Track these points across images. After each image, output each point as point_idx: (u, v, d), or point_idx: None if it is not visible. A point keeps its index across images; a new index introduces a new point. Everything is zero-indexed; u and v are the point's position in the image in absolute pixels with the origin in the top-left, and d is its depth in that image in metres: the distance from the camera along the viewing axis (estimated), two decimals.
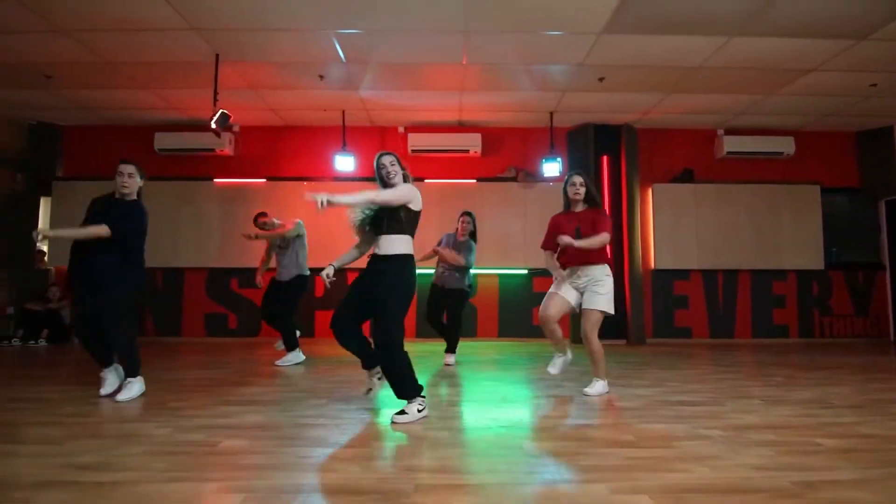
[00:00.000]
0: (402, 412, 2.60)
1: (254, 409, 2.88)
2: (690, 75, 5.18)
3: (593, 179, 6.50)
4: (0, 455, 2.12)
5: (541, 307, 3.37)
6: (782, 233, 6.74)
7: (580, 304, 3.33)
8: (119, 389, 3.15)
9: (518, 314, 6.63)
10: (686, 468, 1.96)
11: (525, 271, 6.67)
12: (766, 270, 6.75)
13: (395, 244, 2.69)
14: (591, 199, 3.37)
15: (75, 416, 2.75)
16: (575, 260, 3.30)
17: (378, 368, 2.89)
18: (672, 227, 6.74)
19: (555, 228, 3.37)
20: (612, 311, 3.31)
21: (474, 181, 6.71)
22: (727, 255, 6.70)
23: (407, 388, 2.64)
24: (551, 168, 6.36)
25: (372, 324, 2.81)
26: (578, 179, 3.34)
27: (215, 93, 4.82)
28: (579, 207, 3.37)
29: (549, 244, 3.43)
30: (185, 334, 6.56)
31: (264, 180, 6.72)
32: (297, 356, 4.58)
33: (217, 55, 4.66)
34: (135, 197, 3.25)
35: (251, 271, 6.60)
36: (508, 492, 1.74)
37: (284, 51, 4.62)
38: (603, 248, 3.31)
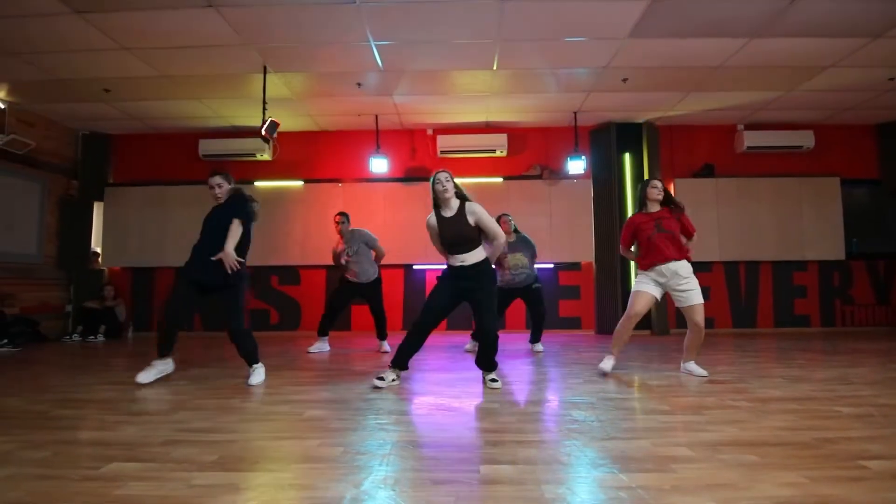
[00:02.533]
0: (494, 379, 3.25)
1: (321, 388, 3.22)
2: (711, 75, 5.40)
3: (617, 176, 6.75)
4: (118, 423, 2.47)
5: (629, 306, 3.61)
6: (803, 225, 6.90)
7: (662, 298, 3.66)
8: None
9: (546, 306, 6.87)
10: (718, 429, 2.24)
11: (551, 266, 6.93)
12: (787, 262, 6.92)
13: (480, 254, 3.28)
14: (668, 200, 3.69)
15: (166, 394, 3.11)
16: (661, 258, 3.55)
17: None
18: (694, 221, 6.85)
19: (635, 227, 3.67)
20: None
21: (501, 180, 7.00)
22: (748, 247, 6.89)
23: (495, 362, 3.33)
24: (576, 166, 6.61)
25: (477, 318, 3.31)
26: (660, 183, 3.67)
27: (264, 102, 5.18)
28: (655, 208, 3.66)
29: (628, 242, 3.75)
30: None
31: (302, 183, 7.10)
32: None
33: (265, 67, 5.03)
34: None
35: (290, 269, 7.01)
36: (565, 447, 2.03)
37: (328, 61, 4.96)
38: (684, 246, 3.62)
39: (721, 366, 4.02)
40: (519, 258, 4.87)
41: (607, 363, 3.64)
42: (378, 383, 3.17)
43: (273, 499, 1.56)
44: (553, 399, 2.94)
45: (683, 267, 3.56)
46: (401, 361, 3.29)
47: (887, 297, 6.96)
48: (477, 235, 3.23)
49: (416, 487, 1.64)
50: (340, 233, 5.07)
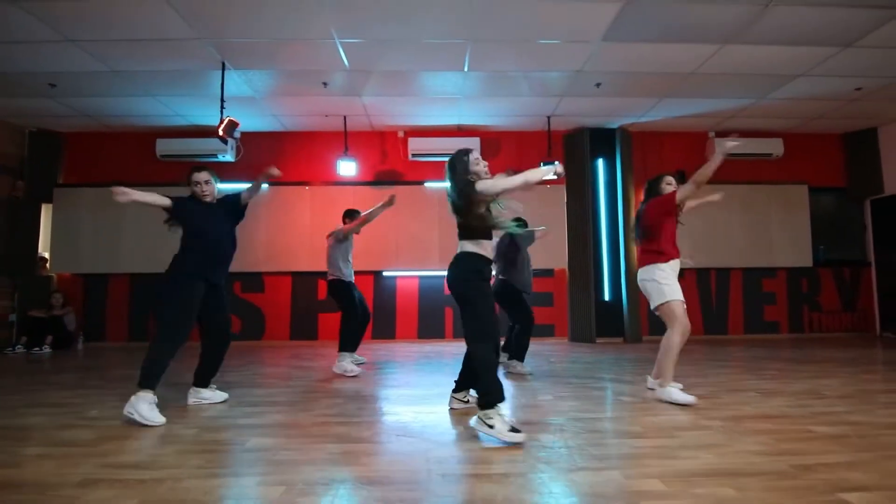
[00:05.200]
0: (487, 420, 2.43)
1: (273, 410, 2.99)
2: (684, 81, 5.35)
3: (590, 182, 6.68)
4: (35, 457, 2.21)
5: (677, 318, 3.26)
6: (772, 232, 6.95)
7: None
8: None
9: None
10: (692, 455, 2.10)
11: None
12: (756, 268, 6.95)
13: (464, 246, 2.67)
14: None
15: (101, 419, 2.83)
16: (677, 252, 3.30)
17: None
18: None
19: (673, 209, 3.26)
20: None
21: None
22: (719, 254, 6.89)
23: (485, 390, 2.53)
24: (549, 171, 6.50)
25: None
26: (673, 178, 3.37)
27: (222, 100, 4.91)
28: None
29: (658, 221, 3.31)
30: (191, 339, 6.61)
31: (266, 185, 6.80)
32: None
33: (223, 63, 4.75)
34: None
35: (254, 276, 6.71)
36: (529, 482, 1.86)
37: (290, 59, 4.72)
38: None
39: (693, 377, 3.93)
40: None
41: (681, 394, 3.03)
42: (456, 405, 2.92)
43: None
44: (521, 421, 2.77)
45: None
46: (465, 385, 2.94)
47: (853, 304, 7.06)
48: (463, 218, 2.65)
49: None
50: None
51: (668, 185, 3.36)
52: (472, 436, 2.45)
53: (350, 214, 4.61)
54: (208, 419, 2.80)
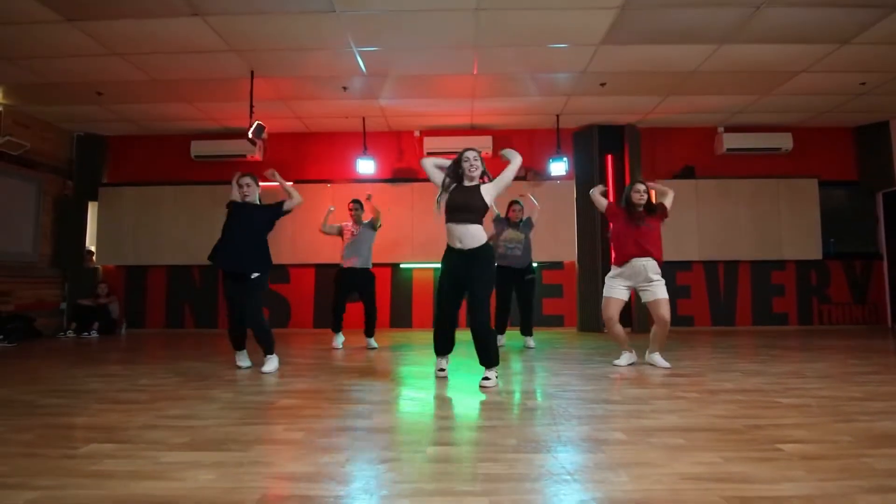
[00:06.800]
0: (486, 377, 3.13)
1: (299, 380, 3.39)
2: (686, 79, 5.55)
3: (599, 177, 6.90)
4: (102, 410, 2.64)
5: (602, 310, 3.96)
6: (781, 225, 7.06)
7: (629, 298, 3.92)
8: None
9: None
10: (657, 417, 2.40)
11: (535, 265, 7.06)
12: (765, 261, 7.07)
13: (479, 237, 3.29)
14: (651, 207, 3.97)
15: (151, 385, 3.27)
16: (634, 252, 3.83)
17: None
18: (674, 221, 7.01)
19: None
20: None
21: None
22: (727, 247, 7.04)
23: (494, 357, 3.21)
24: (558, 167, 6.77)
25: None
26: (643, 186, 3.95)
27: (251, 105, 5.34)
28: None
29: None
30: (221, 326, 7.11)
31: (291, 183, 7.21)
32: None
33: (252, 72, 5.18)
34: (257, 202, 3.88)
35: (280, 268, 7.17)
36: (511, 431, 2.19)
37: (312, 66, 5.12)
38: (659, 248, 3.84)
39: (687, 360, 4.17)
40: (514, 234, 5.11)
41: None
42: (440, 374, 3.43)
43: (232, 473, 1.72)
44: (516, 390, 3.10)
45: (654, 266, 3.89)
46: (442, 350, 3.45)
47: (864, 297, 7.11)
48: (482, 210, 3.29)
49: (365, 464, 1.80)
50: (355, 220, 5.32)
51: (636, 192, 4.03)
52: (471, 401, 2.79)
53: (361, 205, 5.41)
54: (244, 386, 3.21)
